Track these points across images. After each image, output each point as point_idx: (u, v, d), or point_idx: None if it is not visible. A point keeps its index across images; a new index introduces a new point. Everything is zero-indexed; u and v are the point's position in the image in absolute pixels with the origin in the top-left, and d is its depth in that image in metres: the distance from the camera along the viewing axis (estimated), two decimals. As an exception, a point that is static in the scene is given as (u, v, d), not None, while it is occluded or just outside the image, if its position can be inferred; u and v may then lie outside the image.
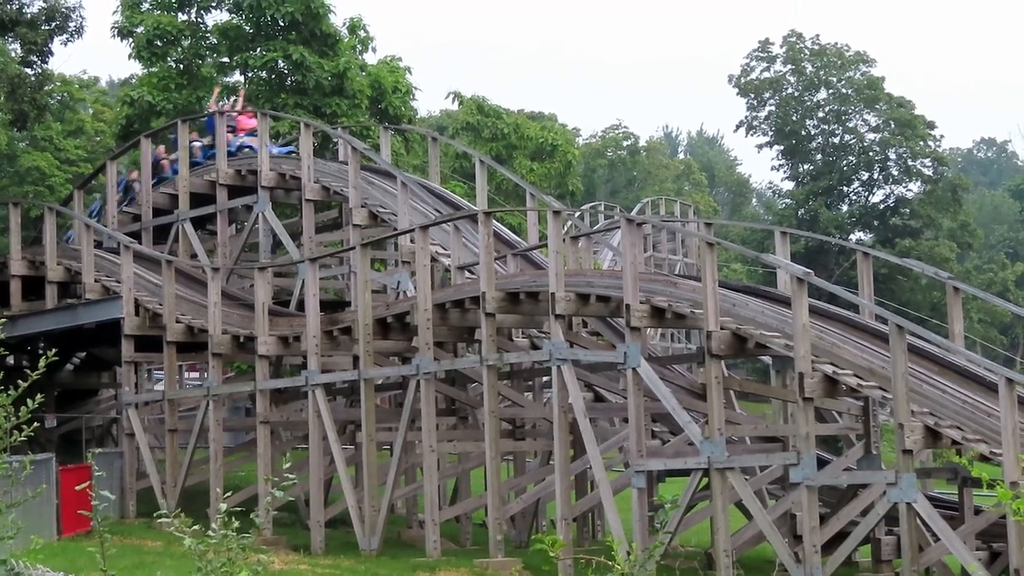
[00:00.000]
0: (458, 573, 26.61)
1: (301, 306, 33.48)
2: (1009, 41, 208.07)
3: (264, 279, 33.00)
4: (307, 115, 43.61)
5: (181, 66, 49.18)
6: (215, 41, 49.73)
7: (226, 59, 50.06)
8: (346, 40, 50.14)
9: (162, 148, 42.12)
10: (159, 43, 48.51)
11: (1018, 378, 23.55)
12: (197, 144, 40.70)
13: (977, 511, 25.85)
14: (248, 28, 48.74)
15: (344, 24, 50.77)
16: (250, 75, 49.71)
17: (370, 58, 52.38)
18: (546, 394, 33.04)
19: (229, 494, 14.42)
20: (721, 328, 25.97)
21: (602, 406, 32.21)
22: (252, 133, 40.03)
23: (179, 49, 49.11)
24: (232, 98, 45.00)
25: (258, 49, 48.46)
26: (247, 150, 39.86)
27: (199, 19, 49.88)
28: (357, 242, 33.10)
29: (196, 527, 10.98)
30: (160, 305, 34.96)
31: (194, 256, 38.72)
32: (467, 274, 31.96)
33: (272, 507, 28.44)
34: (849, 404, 28.69)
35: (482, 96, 67.91)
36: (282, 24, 48.10)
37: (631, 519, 26.31)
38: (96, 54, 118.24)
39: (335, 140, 42.41)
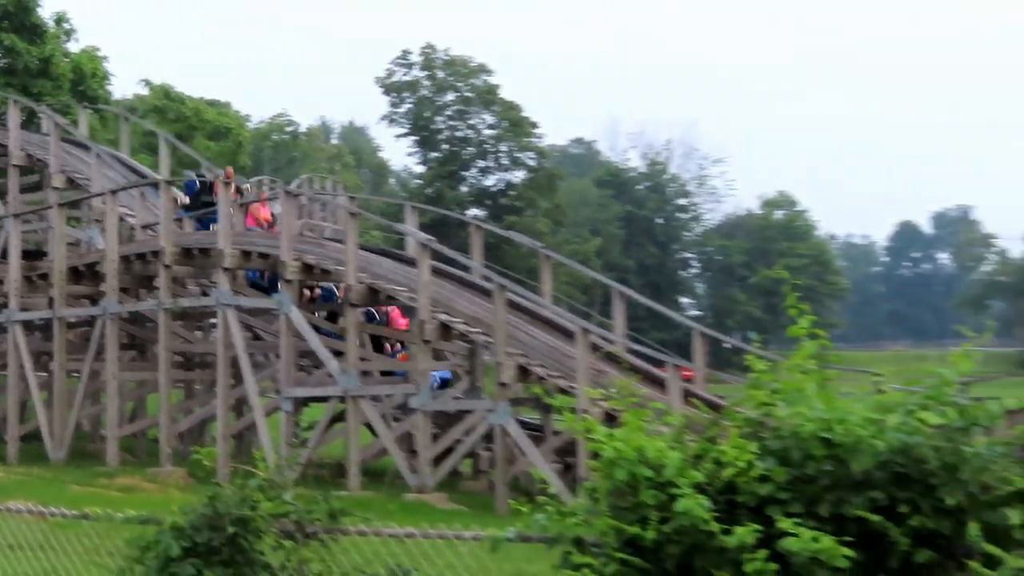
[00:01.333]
0: (133, 479, 26.09)
1: (4, 255, 32.28)
2: (601, 53, 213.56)
3: (-28, 230, 31.72)
4: (16, 93, 41.72)
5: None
6: (-68, 26, 47.19)
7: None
8: (52, 30, 48.26)
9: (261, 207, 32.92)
10: None
11: (592, 328, 24.39)
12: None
13: (556, 433, 26.53)
14: (-36, 16, 46.44)
15: (51, 17, 48.86)
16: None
17: (73, 47, 50.51)
18: (213, 333, 32.53)
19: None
20: (359, 282, 26.17)
21: (259, 344, 31.88)
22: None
23: (-102, 33, 46.45)
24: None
25: (-28, 35, 46.24)
26: None
27: (-82, 5, 47.24)
28: (55, 202, 32.20)
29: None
30: None
31: (-90, 209, 36.79)
32: (149, 232, 31.36)
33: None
34: (459, 346, 29.08)
35: (169, 84, 66.44)
36: (-5, 14, 46.01)
37: (279, 436, 26.23)
38: None
39: (40, 116, 40.79)
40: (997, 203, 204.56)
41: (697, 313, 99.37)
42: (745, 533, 6.62)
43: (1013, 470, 6.88)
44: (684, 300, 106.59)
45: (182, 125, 63.20)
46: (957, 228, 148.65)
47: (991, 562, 6.51)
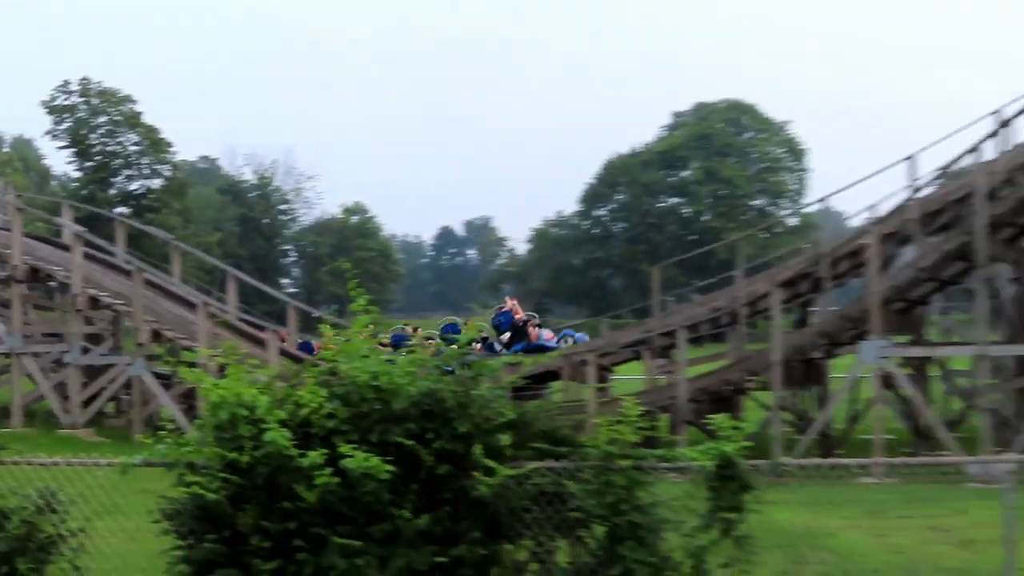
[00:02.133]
0: None
1: None
2: (228, 90, 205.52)
3: None
4: None
5: None
6: None
7: None
8: None
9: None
10: None
11: (211, 302, 23.85)
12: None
13: (181, 381, 25.62)
14: None
15: None
16: None
17: None
18: None
19: None
20: (23, 263, 24.52)
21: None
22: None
23: None
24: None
25: None
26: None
27: None
28: None
29: None
30: None
31: None
32: None
33: None
34: (106, 314, 27.65)
35: None
36: None
37: (-47, 386, 24.15)
38: None
39: None
40: (510, 213, 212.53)
41: (294, 291, 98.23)
42: (316, 456, 6.72)
43: (506, 406, 7.30)
44: (284, 281, 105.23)
45: None
46: (481, 232, 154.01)
47: (489, 472, 6.87)
